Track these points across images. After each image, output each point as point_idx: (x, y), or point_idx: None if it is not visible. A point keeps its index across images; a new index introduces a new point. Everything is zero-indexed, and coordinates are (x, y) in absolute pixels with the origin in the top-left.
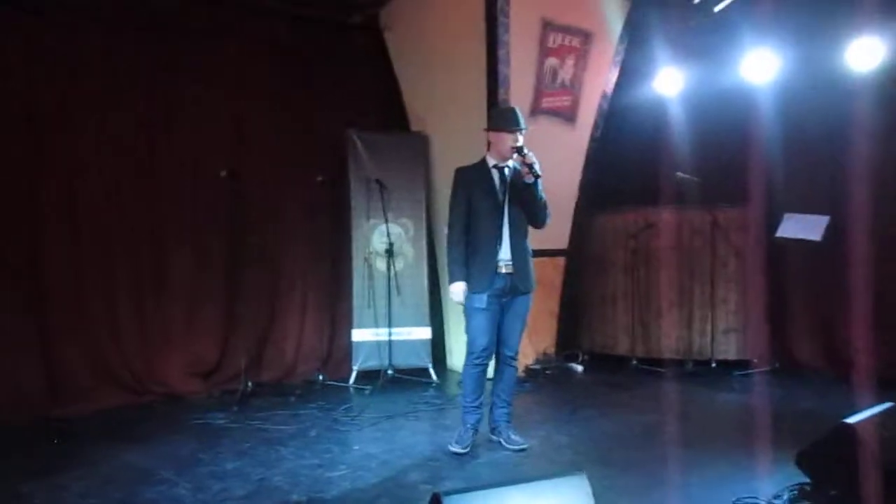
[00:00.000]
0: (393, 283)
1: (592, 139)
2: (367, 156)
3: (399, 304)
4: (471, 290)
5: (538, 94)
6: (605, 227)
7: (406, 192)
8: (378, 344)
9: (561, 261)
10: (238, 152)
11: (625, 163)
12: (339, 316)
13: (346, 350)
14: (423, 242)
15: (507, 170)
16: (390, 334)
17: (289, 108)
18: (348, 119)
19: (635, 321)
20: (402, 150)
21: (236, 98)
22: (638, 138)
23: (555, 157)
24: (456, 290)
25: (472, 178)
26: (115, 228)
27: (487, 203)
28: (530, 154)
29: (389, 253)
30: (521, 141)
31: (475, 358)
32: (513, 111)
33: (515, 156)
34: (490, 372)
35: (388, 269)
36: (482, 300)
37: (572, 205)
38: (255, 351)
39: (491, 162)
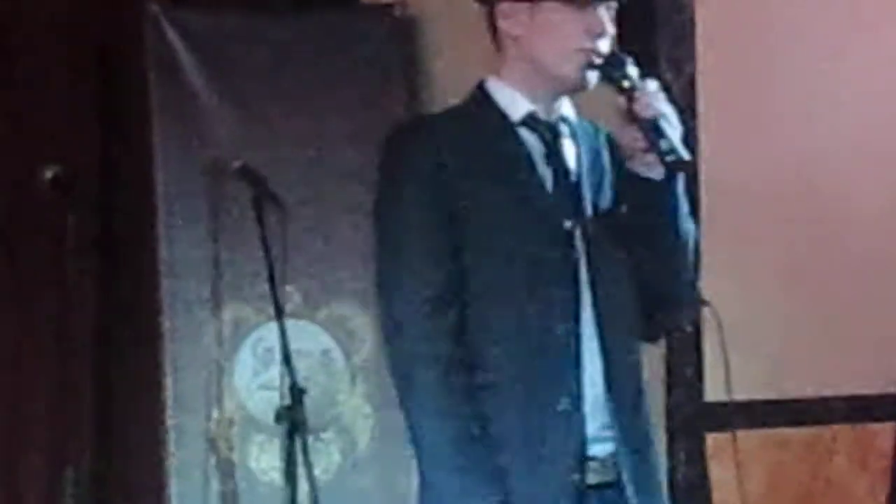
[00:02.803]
0: None
1: None
2: (210, 88)
3: None
4: None
5: None
6: None
7: (345, 207)
8: None
9: None
10: None
11: None
12: None
13: None
14: None
15: (565, 128)
16: None
17: None
18: None
19: None
20: (331, 65)
21: None
22: None
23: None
24: None
25: (460, 159)
26: None
27: (524, 239)
28: (648, 89)
29: (293, 426)
30: (608, 35)
31: None
32: None
33: (602, 81)
34: None
35: (290, 482)
36: None
37: None
38: None
39: (516, 106)
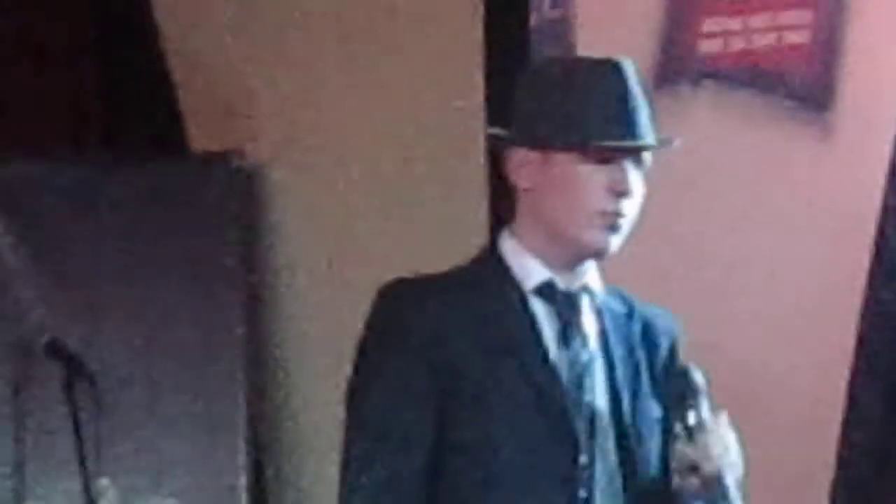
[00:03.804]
0: None
1: None
2: (15, 250)
3: None
4: None
5: (685, 7)
6: None
7: (173, 389)
8: None
9: None
10: None
11: None
12: None
13: None
14: None
15: (587, 301)
16: None
17: None
18: None
19: None
20: (159, 222)
21: None
22: None
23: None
24: None
25: (461, 335)
26: None
27: (525, 446)
28: (709, 435)
29: None
30: (634, 195)
31: None
32: (614, 77)
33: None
34: None
35: None
36: None
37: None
38: None
39: (529, 272)
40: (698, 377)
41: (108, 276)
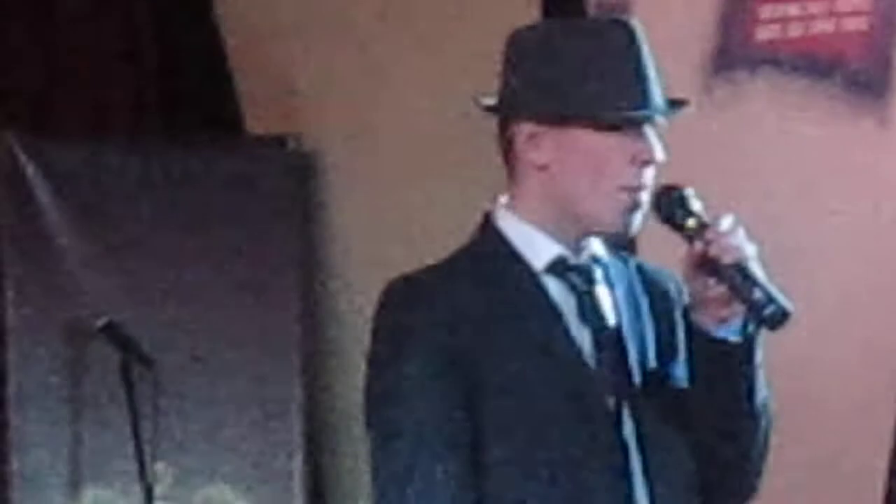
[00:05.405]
0: None
1: None
2: (73, 232)
3: None
4: None
5: None
6: None
7: (228, 373)
8: None
9: None
10: None
11: None
12: None
13: None
14: None
15: (599, 271)
16: None
17: None
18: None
19: None
20: (215, 205)
21: None
22: None
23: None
24: None
25: (475, 324)
26: None
27: (559, 424)
28: (722, 226)
29: None
30: (657, 155)
31: None
32: (625, 39)
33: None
34: None
35: None
36: None
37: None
38: None
39: (538, 250)
40: (690, 193)
41: (165, 259)
